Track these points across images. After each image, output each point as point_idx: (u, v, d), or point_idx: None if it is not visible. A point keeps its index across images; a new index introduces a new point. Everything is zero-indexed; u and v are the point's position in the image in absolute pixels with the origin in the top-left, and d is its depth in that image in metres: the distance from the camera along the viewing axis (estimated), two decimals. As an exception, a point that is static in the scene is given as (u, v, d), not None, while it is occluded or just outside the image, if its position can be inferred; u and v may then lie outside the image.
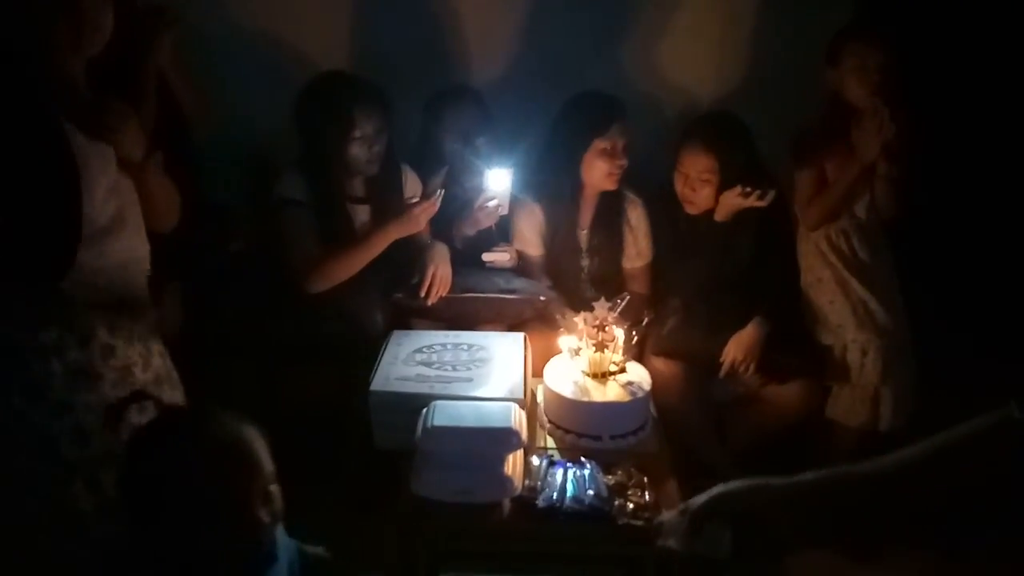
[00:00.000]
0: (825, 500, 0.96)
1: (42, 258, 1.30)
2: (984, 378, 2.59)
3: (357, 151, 2.08)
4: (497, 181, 2.12)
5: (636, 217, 2.34)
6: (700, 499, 1.00)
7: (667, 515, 1.06)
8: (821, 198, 2.21)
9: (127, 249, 1.42)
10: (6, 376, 1.29)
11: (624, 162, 2.21)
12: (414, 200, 2.17)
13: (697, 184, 2.18)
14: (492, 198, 2.14)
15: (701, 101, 2.54)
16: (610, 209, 2.32)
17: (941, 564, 2.02)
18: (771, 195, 2.09)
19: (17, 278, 1.29)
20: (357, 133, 2.05)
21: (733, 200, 2.12)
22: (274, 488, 1.06)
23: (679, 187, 2.23)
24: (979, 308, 2.66)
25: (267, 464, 1.06)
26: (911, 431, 2.12)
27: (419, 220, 2.10)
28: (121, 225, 1.39)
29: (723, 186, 2.15)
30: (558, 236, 2.32)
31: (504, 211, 2.19)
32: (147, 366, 1.44)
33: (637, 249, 2.34)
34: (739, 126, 2.19)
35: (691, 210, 2.23)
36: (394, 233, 2.11)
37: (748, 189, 2.07)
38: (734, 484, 0.99)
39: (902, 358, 2.13)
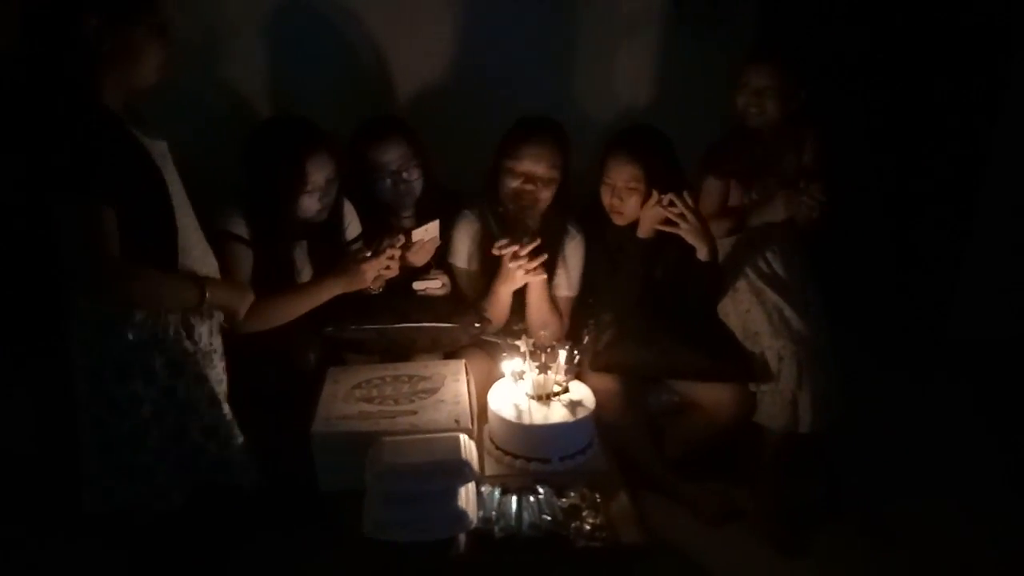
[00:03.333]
0: None
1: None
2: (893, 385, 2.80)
3: (308, 203, 2.00)
4: (424, 231, 2.11)
5: (572, 250, 2.32)
6: None
7: None
8: (728, 218, 2.32)
9: None
10: (151, 358, 1.56)
11: (532, 189, 2.16)
12: (357, 247, 2.12)
13: (624, 193, 2.21)
14: (424, 233, 2.10)
15: (621, 118, 2.59)
16: (548, 238, 2.24)
17: (868, 552, 2.14)
18: (687, 205, 2.12)
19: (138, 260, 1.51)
20: (309, 186, 1.97)
21: (653, 212, 2.16)
22: None
23: (606, 199, 2.26)
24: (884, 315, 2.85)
25: None
26: (833, 434, 2.23)
27: (366, 276, 2.03)
28: None
29: (648, 196, 2.19)
30: (486, 248, 2.24)
31: (437, 243, 2.17)
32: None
33: (568, 281, 2.33)
34: (661, 136, 2.25)
35: (619, 221, 2.26)
36: (339, 288, 2.03)
37: (664, 197, 2.11)
38: None
39: (819, 363, 2.22)
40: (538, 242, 2.11)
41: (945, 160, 2.92)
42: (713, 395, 2.25)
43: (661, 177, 2.17)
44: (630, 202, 2.22)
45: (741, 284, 2.32)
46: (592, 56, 2.62)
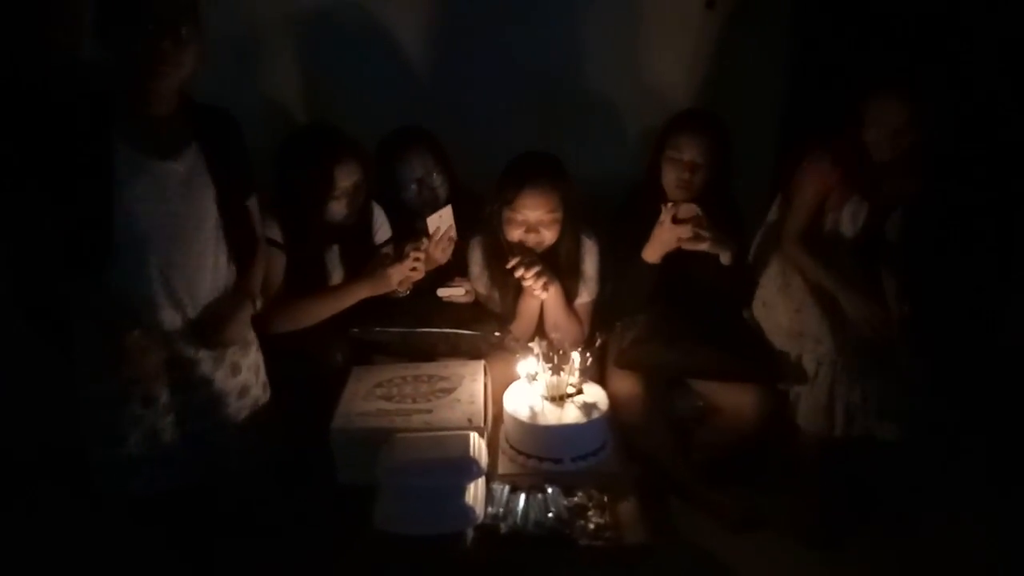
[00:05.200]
0: None
1: (80, 252, 1.58)
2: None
3: (336, 208, 2.10)
4: (439, 217, 2.17)
5: (587, 258, 2.32)
6: None
7: None
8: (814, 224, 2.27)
9: None
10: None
11: (535, 235, 2.17)
12: (386, 251, 2.20)
13: (696, 168, 2.20)
14: (439, 219, 2.16)
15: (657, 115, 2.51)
16: (564, 258, 2.27)
17: (903, 550, 2.08)
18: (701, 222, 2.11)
19: (58, 270, 1.60)
20: (337, 192, 2.07)
21: (668, 234, 2.11)
22: None
23: (671, 177, 2.24)
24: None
25: None
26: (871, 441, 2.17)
27: (391, 280, 2.12)
28: None
29: (714, 173, 2.22)
30: (499, 275, 2.28)
31: (454, 235, 2.22)
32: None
33: (586, 287, 2.34)
34: (723, 122, 2.28)
35: (681, 196, 2.21)
36: (365, 291, 2.13)
37: (674, 210, 2.10)
38: None
39: (869, 368, 2.14)
40: (539, 267, 2.14)
41: (997, 162, 2.80)
42: (734, 398, 2.23)
43: (721, 159, 2.22)
44: (697, 177, 2.21)
45: (796, 281, 2.28)
46: (627, 52, 2.64)
